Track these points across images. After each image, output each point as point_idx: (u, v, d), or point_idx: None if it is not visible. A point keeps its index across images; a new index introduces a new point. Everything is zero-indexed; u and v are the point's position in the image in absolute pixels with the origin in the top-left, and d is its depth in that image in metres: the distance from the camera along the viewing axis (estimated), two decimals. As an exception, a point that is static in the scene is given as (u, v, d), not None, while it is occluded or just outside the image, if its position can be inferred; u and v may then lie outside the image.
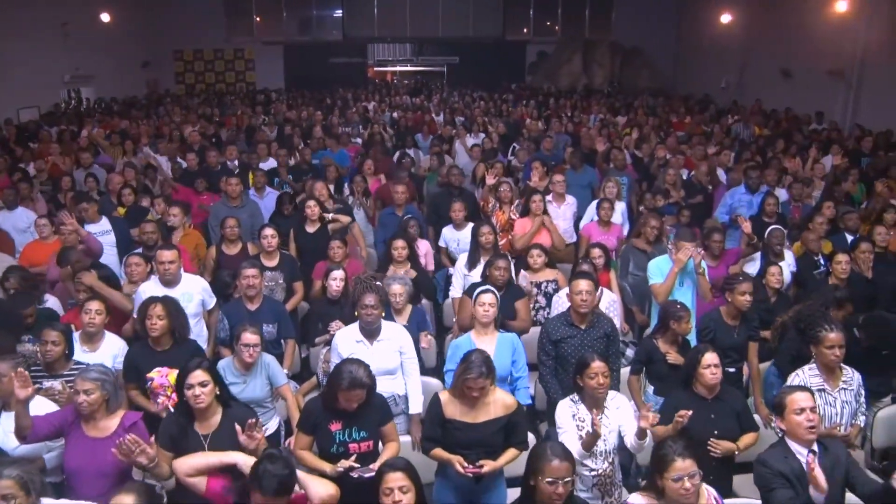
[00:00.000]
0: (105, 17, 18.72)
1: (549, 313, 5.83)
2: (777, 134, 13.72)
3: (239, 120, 15.05)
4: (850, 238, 6.89)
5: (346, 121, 14.37)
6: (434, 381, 5.02)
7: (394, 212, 7.50)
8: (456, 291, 6.10)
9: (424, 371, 5.50)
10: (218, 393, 3.72)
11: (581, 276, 4.67)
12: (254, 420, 3.62)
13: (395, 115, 16.03)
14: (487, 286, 4.63)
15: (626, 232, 7.84)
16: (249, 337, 4.41)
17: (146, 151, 10.65)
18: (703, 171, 9.17)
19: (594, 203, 7.39)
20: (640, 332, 6.20)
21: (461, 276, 6.10)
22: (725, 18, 19.39)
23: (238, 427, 3.58)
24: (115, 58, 19.54)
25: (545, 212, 7.05)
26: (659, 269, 5.61)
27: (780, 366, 4.84)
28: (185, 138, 12.25)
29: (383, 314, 4.61)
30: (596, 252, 6.03)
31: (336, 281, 5.39)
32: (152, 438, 3.76)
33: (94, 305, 4.62)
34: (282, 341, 5.35)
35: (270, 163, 10.23)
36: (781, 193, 8.29)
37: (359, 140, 12.87)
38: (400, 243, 5.99)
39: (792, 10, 16.48)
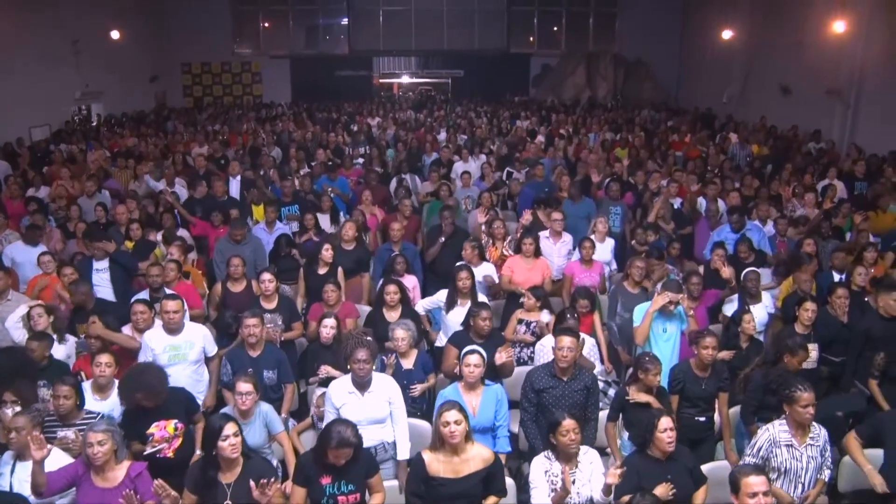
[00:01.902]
0: (115, 35, 19.03)
1: (532, 351, 6.11)
2: (774, 156, 13.95)
3: (244, 139, 15.33)
4: (837, 277, 7.11)
5: (351, 140, 14.59)
6: (423, 425, 5.28)
7: (391, 248, 7.74)
8: (420, 307, 6.58)
9: (428, 410, 5.80)
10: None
11: (565, 333, 4.92)
12: (266, 480, 3.95)
13: (399, 132, 16.25)
14: (474, 347, 4.87)
15: (615, 266, 8.11)
16: (243, 386, 4.71)
17: (146, 181, 10.91)
18: (692, 200, 9.36)
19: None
20: (625, 372, 6.42)
21: (434, 301, 6.54)
22: (727, 34, 19.59)
23: (252, 483, 3.94)
24: (123, 73, 19.86)
25: (538, 249, 7.31)
26: (642, 315, 5.85)
27: (743, 416, 5.08)
28: (188, 162, 12.44)
29: (374, 367, 4.90)
30: (583, 303, 6.27)
31: (327, 328, 5.66)
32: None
33: (105, 358, 4.93)
34: (282, 386, 5.61)
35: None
36: (768, 228, 8.54)
37: (361, 161, 13.08)
38: (392, 288, 6.24)
39: (791, 28, 16.69)
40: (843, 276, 7.05)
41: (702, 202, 9.57)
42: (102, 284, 7.11)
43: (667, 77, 23.28)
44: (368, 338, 5.03)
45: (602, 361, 6.32)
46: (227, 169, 11.66)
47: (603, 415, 5.23)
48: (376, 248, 8.36)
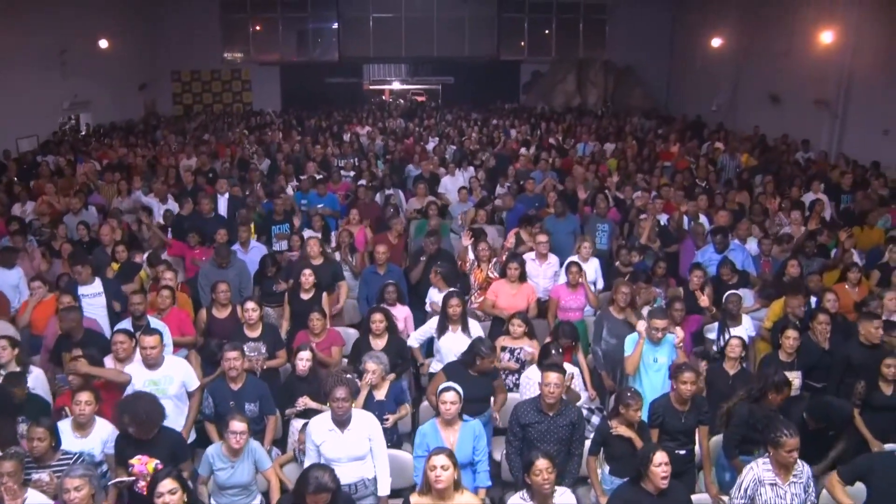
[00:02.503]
0: (103, 44, 18.96)
1: (517, 378, 6.12)
2: (763, 166, 13.98)
3: (233, 150, 15.28)
4: (813, 299, 7.12)
5: (340, 153, 14.54)
6: (405, 456, 5.27)
7: (376, 270, 7.73)
8: (413, 340, 6.56)
9: (398, 440, 5.83)
10: (186, 500, 4.01)
11: (552, 369, 4.92)
12: None
13: (388, 142, 16.23)
14: (450, 384, 4.87)
15: (601, 285, 8.11)
16: (237, 425, 4.70)
17: (136, 197, 10.85)
18: (678, 217, 9.37)
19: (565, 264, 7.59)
20: (609, 398, 6.41)
21: (427, 330, 6.49)
22: (716, 42, 19.65)
23: None
24: (112, 82, 19.79)
25: (523, 273, 7.31)
26: (633, 344, 5.85)
27: (726, 450, 5.09)
28: (180, 177, 12.42)
29: (354, 405, 4.90)
30: (565, 342, 6.23)
31: (302, 361, 5.64)
32: None
33: (84, 397, 4.85)
34: (264, 417, 5.59)
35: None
36: (752, 247, 8.55)
37: (351, 175, 13.06)
38: (378, 316, 6.23)
39: (780, 37, 16.77)
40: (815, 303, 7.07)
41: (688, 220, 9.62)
42: (95, 313, 6.94)
43: (657, 84, 23.36)
44: (348, 375, 5.02)
45: (585, 388, 6.37)
46: (215, 183, 11.66)
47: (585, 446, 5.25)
48: (363, 268, 8.33)
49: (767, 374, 5.15)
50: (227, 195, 10.37)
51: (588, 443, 5.19)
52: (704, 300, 6.49)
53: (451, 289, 6.79)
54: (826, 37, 14.80)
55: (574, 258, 7.90)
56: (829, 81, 14.95)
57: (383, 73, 26.31)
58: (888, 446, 5.38)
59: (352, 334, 7.20)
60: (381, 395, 5.56)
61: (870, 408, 5.58)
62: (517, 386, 6.06)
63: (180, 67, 23.58)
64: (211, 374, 6.07)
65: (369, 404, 5.47)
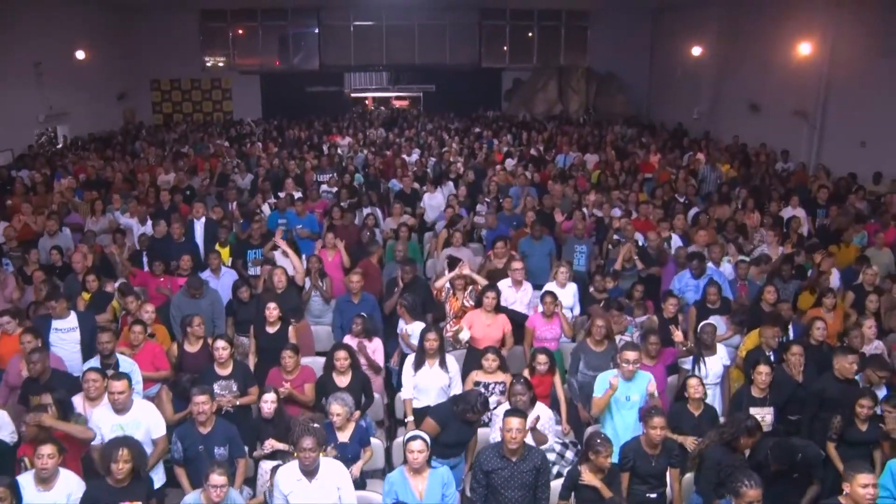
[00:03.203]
0: (80, 55, 18.77)
1: (491, 415, 6.06)
2: (743, 178, 14.01)
3: (212, 165, 15.15)
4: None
5: (320, 167, 14.42)
6: (374, 498, 5.21)
7: (350, 299, 7.65)
8: (406, 391, 6.31)
9: (372, 473, 5.83)
10: None
11: (513, 415, 4.87)
12: None
13: (368, 155, 16.14)
14: (417, 433, 4.82)
15: (578, 310, 8.07)
16: (217, 479, 4.60)
17: (113, 217, 10.68)
18: (655, 238, 9.33)
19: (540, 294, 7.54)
20: (585, 429, 6.35)
21: (409, 377, 6.30)
22: (696, 51, 19.69)
23: None
24: (89, 92, 19.60)
25: (499, 303, 7.25)
26: (602, 387, 5.79)
27: (704, 495, 5.05)
28: (158, 193, 12.24)
29: (322, 454, 4.84)
30: (542, 358, 6.23)
31: (267, 404, 5.56)
32: None
33: (47, 450, 4.69)
34: (234, 461, 5.50)
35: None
36: (728, 269, 8.54)
37: (333, 192, 12.95)
38: (341, 354, 6.14)
39: (759, 47, 16.88)
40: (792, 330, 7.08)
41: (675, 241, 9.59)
42: (67, 348, 6.84)
43: (638, 91, 23.42)
44: (315, 424, 4.96)
45: (560, 422, 6.33)
46: (192, 202, 11.53)
47: (556, 485, 5.20)
48: (334, 294, 8.24)
49: (739, 418, 5.12)
50: (203, 219, 10.15)
51: (556, 484, 5.16)
52: (678, 335, 6.45)
53: (419, 321, 6.68)
54: (804, 48, 14.87)
55: (550, 285, 7.87)
56: (808, 92, 15.04)
57: (364, 82, 26.16)
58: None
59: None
60: (344, 437, 5.52)
61: (845, 443, 5.57)
62: (491, 421, 6.01)
63: (159, 76, 23.42)
64: (182, 411, 5.99)
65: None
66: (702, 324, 6.60)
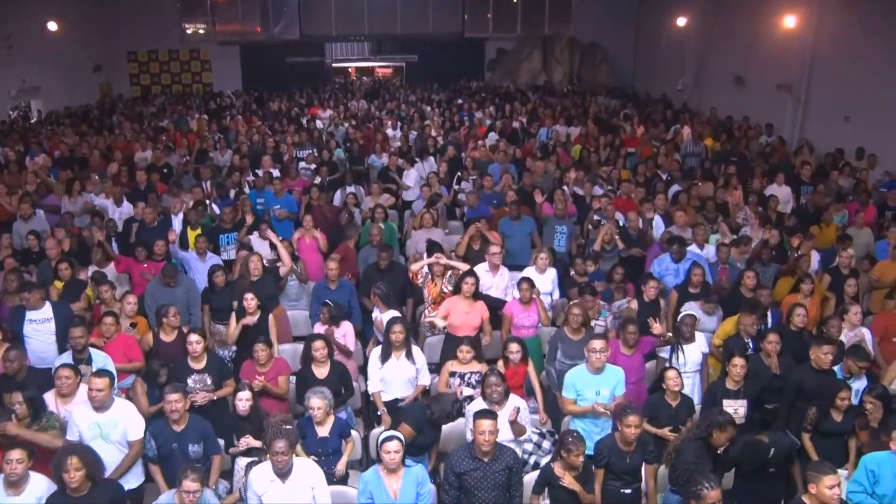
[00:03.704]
0: (52, 26, 18.32)
1: (469, 404, 6.03)
2: (726, 152, 13.93)
3: (190, 140, 14.90)
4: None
5: (299, 142, 14.21)
6: (350, 492, 5.19)
7: (327, 286, 7.56)
8: (373, 385, 6.25)
9: (351, 465, 5.76)
10: None
11: (484, 416, 4.83)
12: None
13: (349, 129, 15.92)
14: (393, 433, 4.78)
15: (557, 295, 8.03)
16: (189, 484, 4.53)
17: (89, 199, 10.44)
18: (634, 219, 9.27)
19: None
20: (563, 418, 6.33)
21: (376, 369, 6.24)
22: (681, 21, 19.47)
23: None
24: (64, 65, 19.22)
25: (478, 288, 7.19)
26: (573, 386, 5.73)
27: (679, 492, 5.04)
28: (134, 174, 12.00)
29: (294, 455, 4.80)
30: (514, 347, 6.19)
31: (242, 402, 5.49)
32: None
33: (16, 455, 4.60)
34: (209, 457, 5.45)
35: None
36: (710, 251, 8.49)
37: (312, 168, 12.78)
38: (318, 344, 6.08)
39: (745, 19, 16.68)
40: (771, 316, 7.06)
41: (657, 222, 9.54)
42: (43, 339, 6.73)
43: (623, 61, 23.20)
44: (288, 426, 4.90)
45: (537, 410, 6.32)
46: (170, 181, 11.33)
47: (533, 477, 5.18)
48: (314, 280, 8.15)
49: (712, 413, 5.11)
50: (180, 215, 9.69)
51: (533, 476, 5.15)
52: (657, 327, 6.41)
53: (393, 312, 6.58)
54: (789, 21, 14.71)
55: (529, 271, 7.81)
56: (793, 66, 14.89)
57: (346, 52, 25.71)
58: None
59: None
60: (324, 431, 5.48)
61: (819, 434, 5.58)
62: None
63: (136, 47, 22.91)
64: (156, 402, 5.89)
65: (312, 441, 5.42)
66: (681, 315, 6.57)
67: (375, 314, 7.07)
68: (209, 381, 6.09)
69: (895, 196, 10.40)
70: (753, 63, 16.39)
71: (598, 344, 5.68)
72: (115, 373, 6.06)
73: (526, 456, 5.82)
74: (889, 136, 12.27)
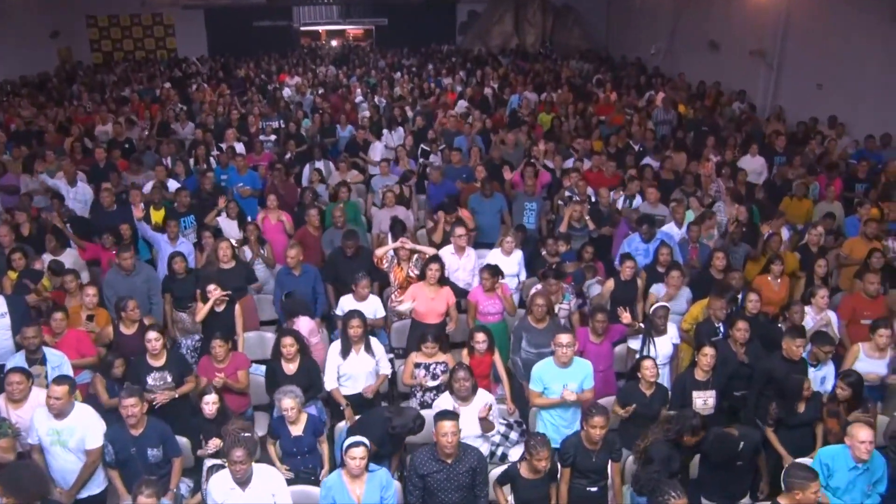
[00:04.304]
0: (4, -10, 17.62)
1: (435, 395, 5.96)
2: (698, 121, 13.81)
3: (153, 111, 14.46)
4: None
5: (265, 113, 13.84)
6: (314, 491, 5.10)
7: (290, 272, 7.38)
8: (329, 381, 6.09)
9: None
10: None
11: (445, 417, 4.73)
12: None
13: (316, 98, 15.57)
14: (359, 439, 4.66)
15: (524, 276, 7.92)
16: (144, 501, 4.35)
17: (43, 179, 9.94)
18: (606, 195, 9.15)
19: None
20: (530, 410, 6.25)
21: (334, 366, 6.09)
22: (654, -18, 19.20)
23: None
24: (19, 32, 18.45)
25: (444, 276, 7.06)
26: (540, 379, 5.64)
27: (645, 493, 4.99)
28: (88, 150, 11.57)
29: (253, 462, 4.68)
30: (479, 337, 6.08)
31: (209, 405, 5.35)
32: None
33: None
34: (170, 460, 5.32)
35: (172, 184, 9.74)
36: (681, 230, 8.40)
37: (272, 140, 12.47)
38: (288, 341, 5.92)
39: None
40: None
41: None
42: (2, 335, 6.49)
43: (595, 24, 22.89)
44: (246, 434, 4.78)
45: (504, 399, 6.24)
46: (131, 156, 10.97)
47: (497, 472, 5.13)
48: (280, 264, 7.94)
49: (685, 416, 5.05)
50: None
51: (497, 471, 5.10)
52: (626, 317, 6.33)
53: (351, 309, 6.41)
54: (763, -16, 14.53)
55: (494, 252, 7.70)
56: (766, 31, 14.72)
57: (314, 16, 24.96)
58: (800, 461, 5.40)
59: (268, 339, 6.93)
60: (298, 430, 5.37)
61: (785, 426, 5.56)
62: (434, 402, 5.87)
63: (96, 12, 22.11)
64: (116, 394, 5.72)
65: (287, 441, 5.34)
66: (654, 307, 6.43)
67: (347, 302, 6.89)
68: (169, 379, 5.91)
69: (864, 168, 10.34)
70: (727, 28, 16.21)
71: (564, 338, 5.57)
72: (70, 371, 5.92)
73: (493, 448, 5.77)
74: (861, 104, 12.23)
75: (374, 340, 6.23)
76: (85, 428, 5.17)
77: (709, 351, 5.65)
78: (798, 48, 14.02)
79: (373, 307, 6.85)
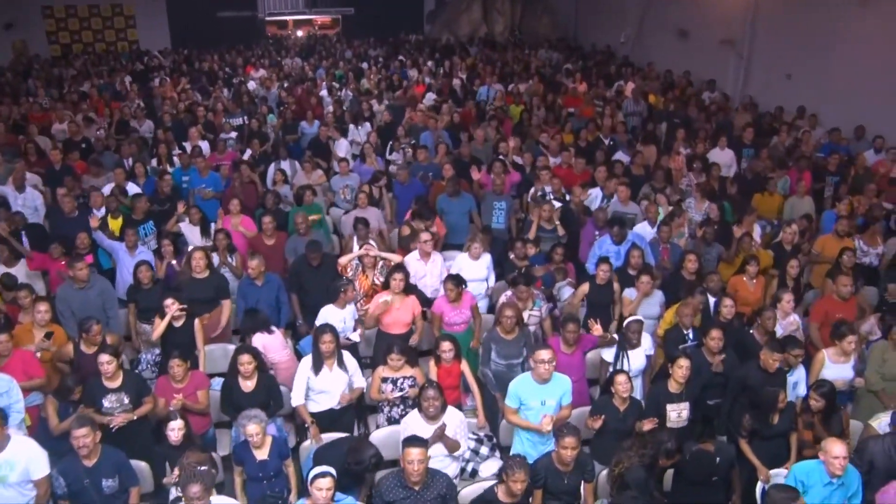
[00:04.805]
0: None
1: (403, 411, 5.81)
2: (668, 112, 13.68)
3: (112, 108, 14.01)
4: (712, 300, 6.91)
5: (227, 111, 13.43)
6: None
7: (252, 282, 7.13)
8: (297, 397, 5.88)
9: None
10: None
11: (412, 444, 4.56)
12: None
13: (281, 93, 15.21)
14: (325, 469, 4.45)
15: (493, 281, 7.76)
16: None
17: None
18: (578, 194, 8.99)
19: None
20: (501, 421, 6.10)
21: (303, 381, 5.88)
22: (622, -31, 19.01)
23: None
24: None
25: (409, 285, 6.86)
26: (517, 395, 5.46)
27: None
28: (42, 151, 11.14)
29: (213, 495, 4.48)
30: (445, 346, 5.92)
31: (174, 432, 5.13)
32: None
33: None
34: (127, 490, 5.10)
35: (132, 188, 9.40)
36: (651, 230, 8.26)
37: (233, 136, 12.12)
38: (245, 358, 5.71)
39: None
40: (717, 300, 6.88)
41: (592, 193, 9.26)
42: None
43: (564, 11, 22.65)
44: (203, 467, 4.57)
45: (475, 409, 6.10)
46: (90, 158, 10.59)
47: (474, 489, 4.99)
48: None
49: (660, 440, 4.92)
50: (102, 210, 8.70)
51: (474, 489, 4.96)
52: (598, 329, 6.17)
53: (323, 323, 6.20)
54: (732, -27, 14.42)
55: (462, 257, 7.53)
56: (736, 21, 14.64)
57: (279, 6, 24.40)
58: (774, 471, 5.34)
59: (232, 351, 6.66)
60: (263, 454, 5.18)
61: (759, 437, 5.46)
62: (402, 418, 5.68)
63: (52, 2, 21.30)
64: (69, 417, 5.47)
65: (252, 466, 5.15)
66: (628, 321, 6.26)
67: (330, 313, 6.66)
68: (126, 401, 5.67)
69: (835, 161, 10.28)
70: (697, 17, 16.11)
71: (545, 354, 5.36)
72: (20, 397, 5.65)
73: (463, 464, 5.62)
74: (829, 94, 12.20)
75: (346, 354, 6.03)
76: (27, 460, 4.89)
77: (683, 363, 5.52)
78: (767, 38, 13.98)
79: (353, 312, 6.72)
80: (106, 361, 5.61)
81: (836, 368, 6.07)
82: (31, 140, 11.49)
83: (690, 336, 6.36)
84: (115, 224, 8.45)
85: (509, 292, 6.87)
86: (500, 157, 10.24)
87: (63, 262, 7.64)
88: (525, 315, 6.68)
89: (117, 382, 5.70)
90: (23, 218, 8.57)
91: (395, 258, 7.31)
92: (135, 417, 5.65)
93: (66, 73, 18.12)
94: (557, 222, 8.31)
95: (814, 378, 5.97)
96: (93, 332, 6.14)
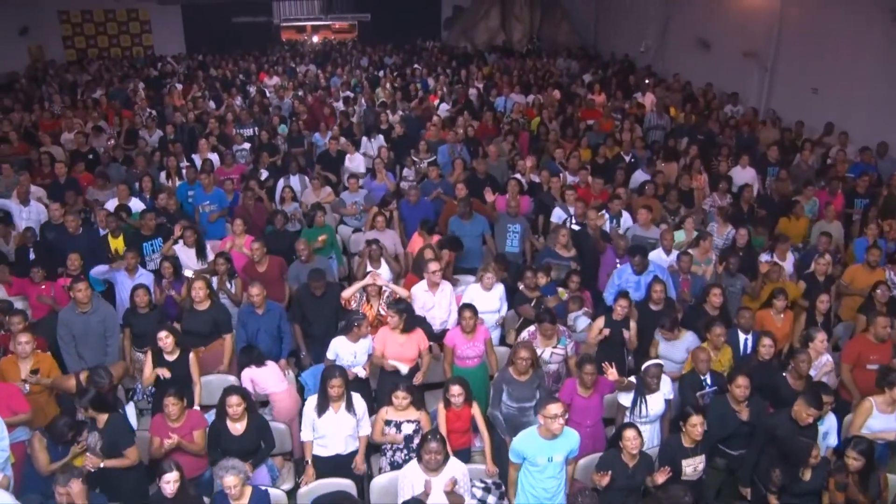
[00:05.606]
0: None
1: (406, 456, 5.50)
2: (690, 126, 13.25)
3: (123, 117, 13.75)
4: (742, 337, 6.51)
5: (239, 121, 13.13)
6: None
7: (253, 311, 6.81)
8: (305, 433, 5.60)
9: None
10: None
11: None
12: None
13: (294, 102, 14.90)
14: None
15: (506, 310, 7.41)
16: None
17: None
18: (594, 218, 8.57)
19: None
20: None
21: (310, 420, 5.57)
22: (643, -22, 18.59)
23: None
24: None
25: (411, 321, 6.49)
26: (521, 453, 5.08)
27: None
28: (53, 159, 10.85)
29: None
30: (455, 390, 5.56)
31: (169, 485, 4.76)
32: None
33: None
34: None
35: (137, 204, 9.13)
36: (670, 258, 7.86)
37: (246, 148, 11.83)
38: (234, 399, 5.39)
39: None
40: (750, 337, 6.46)
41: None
42: None
43: (584, 19, 22.23)
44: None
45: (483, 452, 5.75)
46: (97, 170, 10.33)
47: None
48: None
49: (677, 496, 4.55)
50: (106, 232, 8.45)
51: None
52: (612, 373, 5.78)
53: (331, 365, 5.88)
54: (756, -17, 13.99)
55: (474, 288, 7.17)
56: (760, 33, 14.17)
57: (295, 11, 24.15)
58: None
59: (231, 382, 6.39)
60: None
61: (789, 493, 5.07)
62: (405, 464, 5.35)
63: (68, 7, 21.21)
64: (59, 459, 5.23)
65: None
66: (646, 365, 5.84)
67: (340, 346, 6.33)
68: (99, 447, 5.33)
69: (864, 183, 9.81)
70: (719, 28, 15.67)
71: (556, 408, 4.94)
72: (4, 435, 5.38)
73: (470, 514, 5.27)
74: (855, 109, 11.72)
75: (356, 397, 5.69)
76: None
77: (696, 420, 5.10)
78: (792, 51, 13.50)
79: (365, 347, 6.37)
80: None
81: (885, 419, 5.57)
82: (47, 151, 11.23)
83: (708, 381, 5.97)
84: (116, 243, 8.19)
85: (533, 328, 6.49)
86: (516, 175, 9.87)
87: (44, 287, 7.39)
88: (548, 353, 6.33)
89: (100, 424, 5.40)
90: (34, 234, 8.35)
91: (401, 292, 6.96)
92: (102, 466, 5.30)
93: (80, 79, 17.94)
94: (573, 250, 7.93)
95: (857, 429, 5.53)
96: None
